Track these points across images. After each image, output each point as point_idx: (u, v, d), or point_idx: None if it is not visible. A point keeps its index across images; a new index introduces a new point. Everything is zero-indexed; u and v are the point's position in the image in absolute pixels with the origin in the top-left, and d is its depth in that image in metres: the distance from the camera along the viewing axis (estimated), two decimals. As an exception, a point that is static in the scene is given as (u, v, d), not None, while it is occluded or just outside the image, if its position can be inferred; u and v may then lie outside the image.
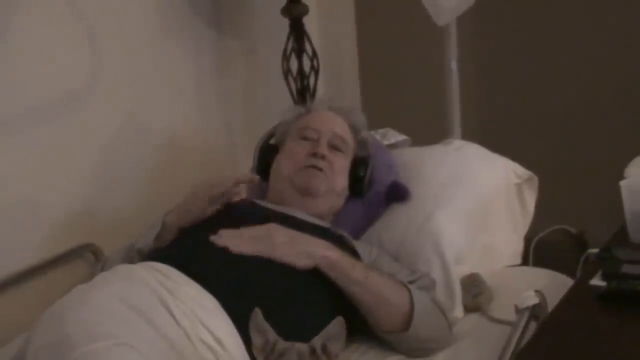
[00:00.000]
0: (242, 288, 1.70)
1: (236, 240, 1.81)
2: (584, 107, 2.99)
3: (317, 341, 1.42)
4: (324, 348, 1.42)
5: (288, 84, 2.77)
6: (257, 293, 1.69)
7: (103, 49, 2.35)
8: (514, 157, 2.35)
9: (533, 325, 1.65)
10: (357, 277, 1.81)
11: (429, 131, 2.60)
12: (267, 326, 1.42)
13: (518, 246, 2.35)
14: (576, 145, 3.00)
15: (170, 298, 1.61)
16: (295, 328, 1.50)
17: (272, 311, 1.46)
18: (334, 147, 2.13)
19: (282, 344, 1.42)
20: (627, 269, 1.69)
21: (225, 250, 1.79)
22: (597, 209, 2.45)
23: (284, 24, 2.74)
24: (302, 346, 1.42)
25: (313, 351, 1.41)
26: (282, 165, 2.13)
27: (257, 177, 2.06)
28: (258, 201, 2.10)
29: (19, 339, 1.81)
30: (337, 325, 1.43)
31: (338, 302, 1.79)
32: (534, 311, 1.66)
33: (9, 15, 2.11)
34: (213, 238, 1.82)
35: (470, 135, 2.65)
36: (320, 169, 2.08)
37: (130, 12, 2.43)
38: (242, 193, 2.01)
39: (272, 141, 2.25)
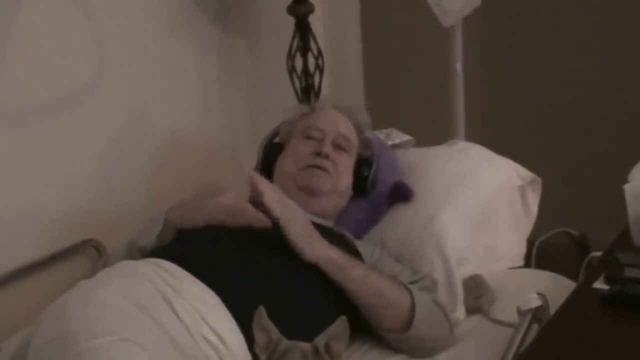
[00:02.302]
0: (246, 286, 1.70)
1: (268, 189, 1.84)
2: (588, 110, 2.99)
3: (320, 340, 1.42)
4: (327, 347, 1.42)
5: (293, 82, 2.77)
6: (261, 292, 1.69)
7: (108, 46, 2.35)
8: (518, 159, 2.35)
9: (535, 328, 1.65)
10: (357, 277, 1.81)
11: (433, 132, 2.60)
12: (270, 325, 1.43)
13: (521, 248, 2.35)
14: (580, 148, 3.01)
15: (173, 295, 1.61)
16: (298, 327, 1.50)
17: (275, 310, 1.46)
18: (338, 147, 2.13)
19: (285, 342, 1.42)
20: (630, 272, 1.68)
21: (227, 250, 1.79)
22: (600, 212, 2.45)
23: (290, 22, 2.73)
24: (305, 345, 1.42)
25: (316, 350, 1.41)
26: (286, 164, 2.13)
27: (270, 224, 1.90)
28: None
29: (21, 334, 1.81)
30: (340, 325, 1.43)
31: (341, 301, 1.79)
32: (536, 314, 1.66)
33: (13, 11, 2.11)
34: (252, 173, 1.88)
35: (474, 136, 2.65)
36: (324, 169, 2.08)
37: (135, 9, 2.42)
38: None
39: (276, 140, 2.25)
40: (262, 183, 1.86)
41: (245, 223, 1.87)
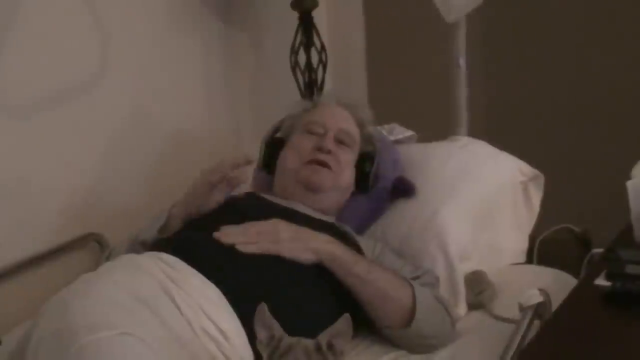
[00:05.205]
0: (248, 282, 1.70)
1: (241, 238, 1.80)
2: (591, 106, 2.98)
3: (323, 337, 1.42)
4: (330, 345, 1.42)
5: (296, 77, 2.77)
6: (263, 287, 1.69)
7: (111, 40, 2.35)
8: (520, 155, 2.35)
9: (536, 324, 1.65)
10: (359, 272, 1.81)
11: (436, 127, 2.59)
12: (273, 321, 1.42)
13: (523, 244, 2.34)
14: (582, 144, 3.00)
15: (174, 288, 1.61)
16: (301, 323, 1.50)
17: (278, 306, 1.46)
18: (340, 142, 2.13)
19: (287, 339, 1.41)
20: (631, 269, 1.68)
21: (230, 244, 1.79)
22: (603, 209, 2.45)
23: (293, 17, 2.73)
24: (308, 342, 1.41)
25: (319, 347, 1.41)
26: (288, 159, 2.13)
27: (251, 158, 1.98)
28: (263, 195, 2.10)
29: (22, 327, 1.81)
30: (344, 323, 1.43)
31: (343, 297, 1.79)
32: (538, 310, 1.66)
33: (17, 7, 2.11)
34: (217, 235, 1.80)
35: (476, 132, 2.65)
36: (326, 164, 2.07)
37: (138, 4, 2.43)
38: (241, 177, 1.96)
39: (278, 135, 2.25)
40: (229, 237, 1.81)
41: (227, 171, 1.91)
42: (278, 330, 1.43)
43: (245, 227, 1.84)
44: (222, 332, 1.57)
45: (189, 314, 1.57)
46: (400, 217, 2.17)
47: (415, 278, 1.90)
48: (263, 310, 1.43)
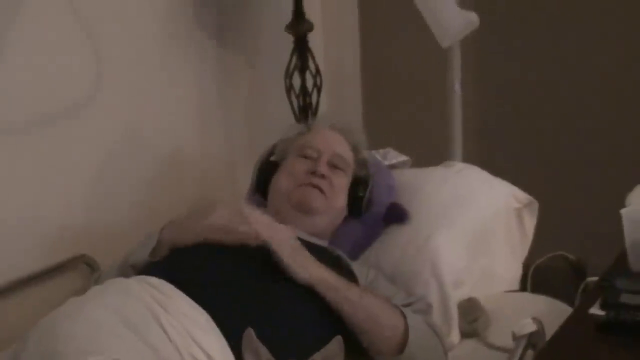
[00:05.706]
0: (238, 306, 1.68)
1: (254, 214, 1.85)
2: (586, 133, 2.98)
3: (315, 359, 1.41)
4: (321, 367, 1.41)
5: (290, 101, 2.77)
6: (252, 311, 1.67)
7: (105, 60, 2.34)
8: (515, 181, 2.34)
9: (530, 354, 1.64)
10: (351, 298, 1.80)
11: (430, 153, 2.59)
12: (260, 346, 1.41)
13: (517, 271, 2.33)
14: (577, 171, 3.00)
15: (162, 313, 1.59)
16: (290, 348, 1.49)
17: (267, 330, 1.45)
18: (333, 166, 2.12)
19: (276, 364, 1.40)
20: (626, 298, 1.67)
21: (219, 268, 1.78)
22: (598, 236, 2.44)
23: (288, 40, 2.73)
24: (299, 365, 1.40)
25: (310, 370, 1.40)
26: (281, 182, 2.12)
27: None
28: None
29: (9, 351, 1.79)
30: (336, 345, 1.42)
31: (334, 323, 1.77)
32: (531, 339, 1.64)
33: (9, 21, 2.11)
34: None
35: (471, 158, 2.65)
36: (319, 188, 2.06)
37: (134, 23, 2.42)
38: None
39: (272, 159, 2.24)
40: (249, 211, 1.85)
41: (238, 241, 1.85)
42: (266, 355, 1.42)
43: (265, 216, 1.89)
44: (210, 358, 1.55)
45: (177, 340, 1.55)
46: (393, 243, 2.16)
47: (408, 305, 1.89)
48: (250, 336, 1.41)
